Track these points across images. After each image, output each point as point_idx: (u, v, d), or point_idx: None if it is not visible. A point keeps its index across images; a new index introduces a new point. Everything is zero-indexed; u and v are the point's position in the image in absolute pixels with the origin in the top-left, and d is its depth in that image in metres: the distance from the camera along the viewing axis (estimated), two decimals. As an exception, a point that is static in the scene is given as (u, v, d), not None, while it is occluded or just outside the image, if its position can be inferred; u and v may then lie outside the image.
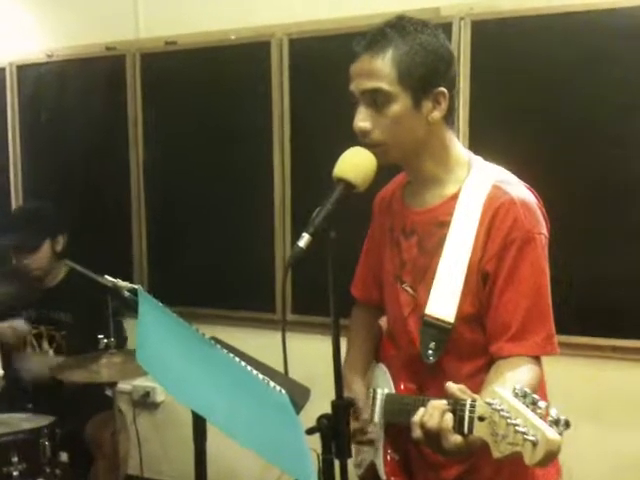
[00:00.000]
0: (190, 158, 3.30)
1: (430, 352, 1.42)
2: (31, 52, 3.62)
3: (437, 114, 1.43)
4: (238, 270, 3.21)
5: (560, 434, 1.01)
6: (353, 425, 1.50)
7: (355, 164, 1.37)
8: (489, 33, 2.64)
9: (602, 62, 2.50)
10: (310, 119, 3.00)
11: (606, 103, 2.51)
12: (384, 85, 1.38)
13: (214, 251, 3.27)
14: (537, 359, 1.40)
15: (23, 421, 2.66)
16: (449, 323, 1.41)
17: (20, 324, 2.98)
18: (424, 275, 1.48)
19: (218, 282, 3.28)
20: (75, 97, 3.51)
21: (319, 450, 1.32)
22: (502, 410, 1.08)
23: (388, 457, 1.60)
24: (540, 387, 1.41)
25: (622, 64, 2.48)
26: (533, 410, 1.05)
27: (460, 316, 1.41)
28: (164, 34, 3.29)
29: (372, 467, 1.64)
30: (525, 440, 1.02)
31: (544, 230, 1.43)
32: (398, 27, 1.40)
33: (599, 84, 2.51)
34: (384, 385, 1.62)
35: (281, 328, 1.35)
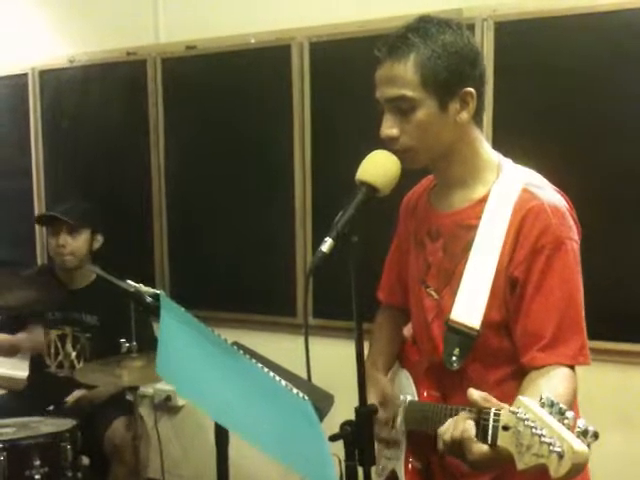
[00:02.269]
0: (211, 162, 3.30)
1: (454, 359, 1.39)
2: (53, 57, 3.65)
3: (465, 115, 1.40)
4: (259, 274, 3.20)
5: (588, 446, 0.97)
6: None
7: (378, 167, 1.35)
8: (513, 34, 2.60)
9: (628, 62, 2.45)
10: (331, 122, 2.98)
11: (633, 104, 2.46)
12: (408, 92, 1.36)
13: (235, 255, 3.26)
14: (571, 368, 1.36)
15: (45, 424, 2.66)
16: (474, 329, 1.38)
17: (35, 333, 3.00)
18: (449, 279, 1.46)
19: (239, 286, 3.27)
20: (96, 102, 3.53)
21: (341, 455, 1.30)
22: (527, 419, 1.04)
23: (409, 465, 1.57)
24: (574, 398, 1.37)
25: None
26: (560, 420, 1.01)
27: (486, 322, 1.38)
28: (184, 38, 3.29)
29: (393, 475, 1.62)
30: (551, 452, 0.98)
31: (575, 236, 1.40)
32: (420, 30, 1.38)
33: (626, 85, 2.47)
34: (407, 392, 1.60)
35: (303, 333, 1.33)
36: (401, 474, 1.57)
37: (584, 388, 1.48)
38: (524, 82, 2.61)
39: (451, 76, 1.37)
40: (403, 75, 1.36)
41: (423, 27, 1.38)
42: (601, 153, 2.52)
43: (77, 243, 3.00)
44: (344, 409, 1.34)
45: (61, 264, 3.03)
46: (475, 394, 1.20)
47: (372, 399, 1.50)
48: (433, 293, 1.51)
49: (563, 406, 1.03)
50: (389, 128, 1.39)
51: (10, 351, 3.07)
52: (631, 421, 2.53)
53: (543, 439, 0.99)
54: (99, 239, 3.09)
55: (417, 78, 1.35)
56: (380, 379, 1.61)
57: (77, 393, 2.90)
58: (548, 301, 1.35)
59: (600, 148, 2.52)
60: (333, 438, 1.29)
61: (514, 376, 1.39)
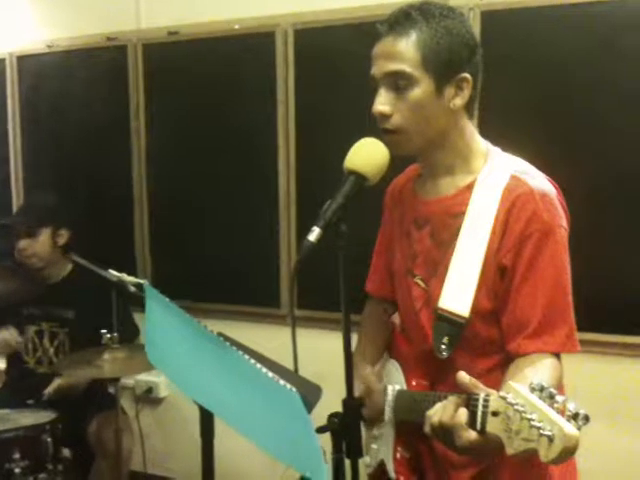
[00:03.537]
0: (193, 150, 3.25)
1: (443, 347, 1.38)
2: (31, 43, 3.58)
3: (459, 101, 1.39)
4: (243, 264, 3.17)
5: (578, 429, 0.96)
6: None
7: (367, 156, 1.32)
8: (499, 23, 2.59)
9: (615, 52, 2.45)
10: (316, 110, 2.95)
11: (618, 94, 2.46)
12: (407, 68, 1.34)
13: (218, 245, 3.23)
14: (557, 356, 1.36)
15: (25, 417, 2.63)
16: (463, 317, 1.36)
17: (11, 335, 2.95)
18: (437, 268, 1.44)
19: (222, 276, 3.24)
20: (76, 88, 3.47)
21: (328, 448, 1.28)
22: (517, 404, 1.02)
23: (398, 455, 1.56)
24: (560, 386, 1.37)
25: (633, 55, 2.43)
26: (550, 404, 0.99)
27: (475, 310, 1.37)
28: (166, 24, 3.24)
29: (381, 465, 1.60)
30: (541, 435, 0.96)
31: (564, 223, 1.38)
32: (423, 10, 1.37)
33: (610, 75, 2.47)
34: (395, 381, 1.58)
35: (288, 323, 1.32)
36: (390, 464, 1.55)
37: (568, 379, 1.48)
38: (510, 72, 2.59)
39: (450, 59, 1.36)
40: (404, 51, 1.34)
41: (426, 8, 1.38)
42: (589, 143, 2.52)
43: (38, 245, 2.90)
44: (331, 401, 1.32)
45: (29, 266, 2.93)
46: (465, 377, 1.18)
47: (356, 392, 1.48)
48: (420, 282, 1.50)
49: (553, 390, 1.01)
50: (382, 104, 1.37)
51: None
52: (611, 412, 2.53)
53: (532, 423, 0.98)
54: (63, 234, 2.97)
55: (418, 56, 1.34)
56: (365, 373, 1.60)
57: (56, 382, 2.85)
58: (536, 288, 1.34)
59: (587, 138, 2.52)
60: (320, 430, 1.28)
61: (502, 365, 1.37)
